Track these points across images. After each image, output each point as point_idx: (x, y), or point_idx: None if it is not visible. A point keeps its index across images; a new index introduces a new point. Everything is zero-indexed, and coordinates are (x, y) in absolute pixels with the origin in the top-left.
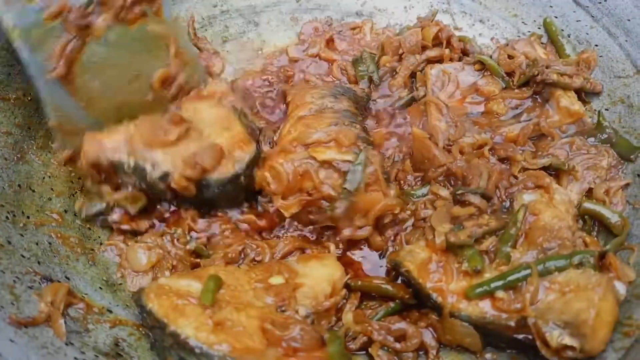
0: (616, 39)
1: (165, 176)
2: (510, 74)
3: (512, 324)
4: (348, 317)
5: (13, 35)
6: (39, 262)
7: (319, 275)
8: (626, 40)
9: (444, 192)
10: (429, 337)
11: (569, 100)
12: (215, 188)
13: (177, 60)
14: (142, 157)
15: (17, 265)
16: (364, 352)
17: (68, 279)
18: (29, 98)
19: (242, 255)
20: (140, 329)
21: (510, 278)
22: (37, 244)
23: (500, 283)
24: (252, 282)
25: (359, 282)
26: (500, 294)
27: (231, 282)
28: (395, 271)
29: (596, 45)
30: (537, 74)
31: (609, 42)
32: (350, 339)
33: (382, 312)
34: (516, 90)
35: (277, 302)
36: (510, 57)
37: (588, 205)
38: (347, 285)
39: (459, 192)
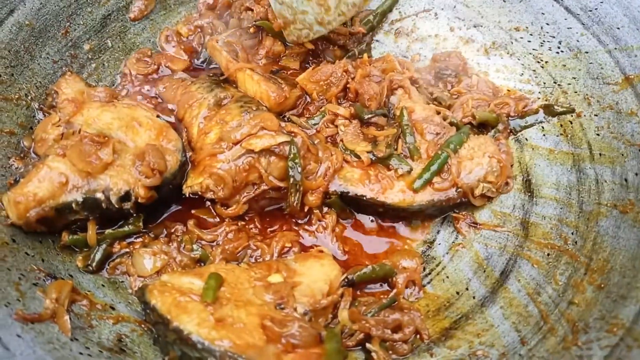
0: (606, 46)
1: (127, 195)
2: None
3: (454, 195)
4: (344, 314)
5: None
6: (42, 260)
7: (317, 274)
8: (615, 48)
9: (342, 110)
10: (419, 320)
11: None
12: (169, 184)
13: None
14: (88, 189)
15: (22, 263)
16: (359, 347)
17: (71, 276)
18: (31, 98)
19: (241, 253)
20: (142, 325)
21: (438, 165)
22: (40, 242)
23: (434, 170)
24: (251, 280)
25: (358, 273)
26: (436, 179)
27: (231, 279)
28: (341, 198)
29: (586, 52)
30: None
31: (599, 49)
32: (346, 336)
33: (377, 308)
34: (297, 46)
35: (276, 300)
36: None
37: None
38: (349, 281)
39: (368, 116)
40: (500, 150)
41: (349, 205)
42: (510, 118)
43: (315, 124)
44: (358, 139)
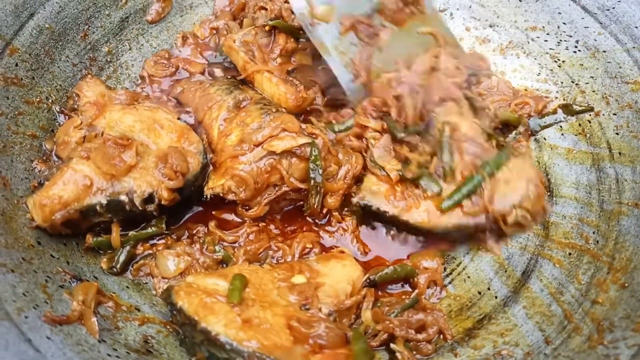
0: (624, 45)
1: (150, 197)
2: (300, 29)
3: (483, 222)
4: (367, 314)
5: (324, 51)
6: (67, 262)
7: (339, 274)
8: (634, 47)
9: (374, 123)
10: (442, 320)
11: None
12: (192, 185)
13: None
14: (112, 192)
15: (47, 265)
16: (383, 347)
17: (96, 278)
18: (52, 101)
19: (263, 254)
20: (168, 326)
21: (470, 188)
22: (65, 244)
23: (464, 193)
24: (275, 281)
25: (380, 273)
26: (465, 202)
27: (255, 280)
28: (363, 210)
29: (604, 51)
30: None
31: (617, 49)
32: (370, 336)
33: (399, 308)
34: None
35: (301, 301)
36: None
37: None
38: (370, 281)
39: (401, 135)
40: (539, 174)
41: (371, 218)
42: (529, 118)
43: (341, 130)
44: (388, 156)
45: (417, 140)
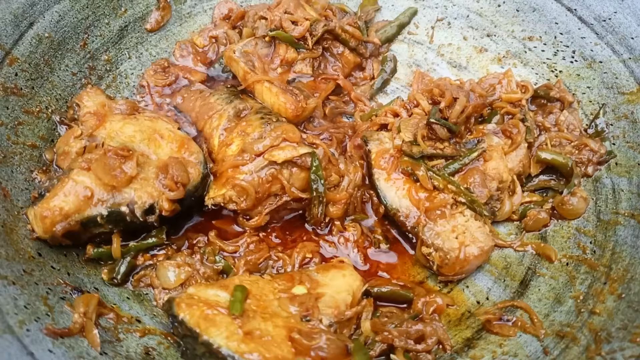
0: (620, 56)
1: (151, 208)
2: (300, 39)
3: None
4: (366, 325)
5: None
6: (68, 274)
7: (339, 285)
8: (630, 58)
9: (424, 103)
10: (441, 331)
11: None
12: (192, 196)
13: None
14: (113, 203)
15: (48, 277)
16: (382, 357)
17: (97, 289)
18: (51, 110)
19: (263, 264)
20: (169, 337)
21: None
22: (65, 255)
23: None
24: (276, 291)
25: (378, 289)
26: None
27: (256, 291)
28: (360, 148)
29: (600, 62)
30: (327, 30)
31: (613, 59)
32: (368, 347)
33: (399, 319)
34: (309, 51)
35: (302, 312)
36: (294, 22)
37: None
38: (366, 292)
39: (432, 119)
40: (488, 250)
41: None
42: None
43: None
44: (410, 131)
45: (445, 135)
